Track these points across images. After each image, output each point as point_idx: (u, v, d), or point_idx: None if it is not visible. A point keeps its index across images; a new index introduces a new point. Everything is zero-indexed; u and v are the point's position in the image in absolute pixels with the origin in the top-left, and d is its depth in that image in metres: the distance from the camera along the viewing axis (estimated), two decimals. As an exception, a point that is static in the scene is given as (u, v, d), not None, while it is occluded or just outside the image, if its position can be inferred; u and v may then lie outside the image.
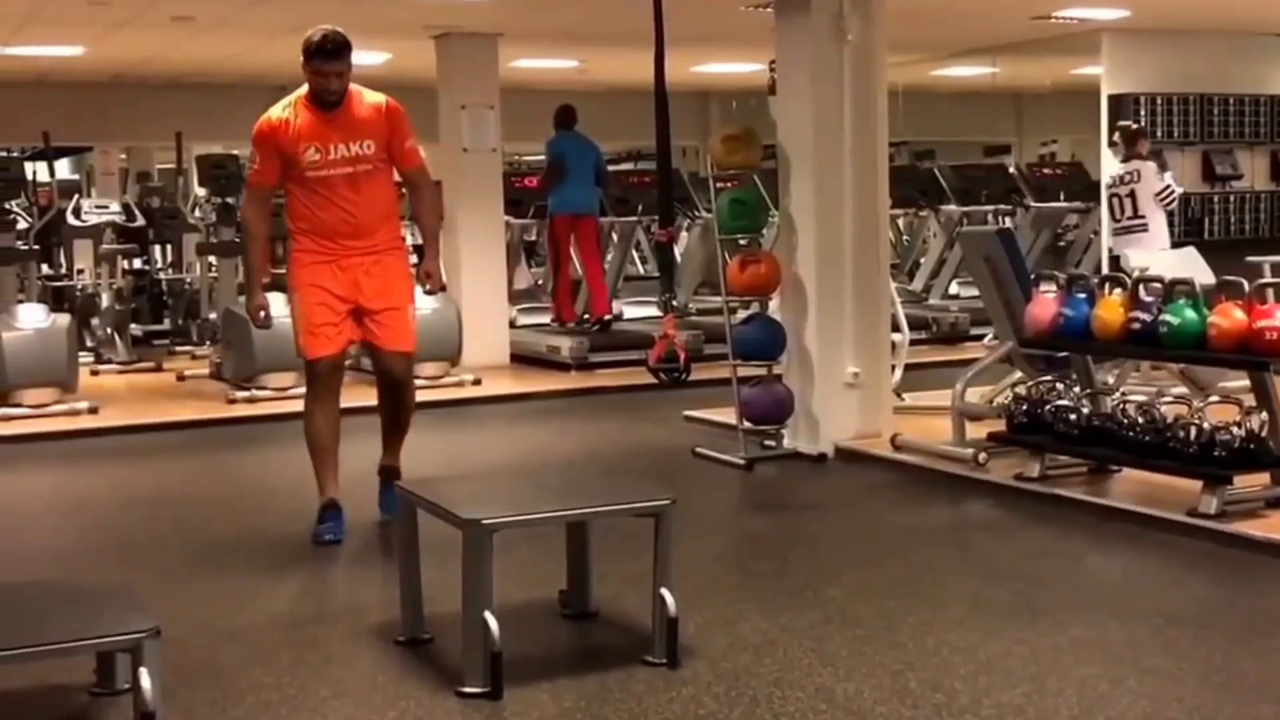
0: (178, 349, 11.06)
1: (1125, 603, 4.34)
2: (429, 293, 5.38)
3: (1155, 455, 5.25)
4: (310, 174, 5.01)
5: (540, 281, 12.46)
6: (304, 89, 5.09)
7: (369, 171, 5.05)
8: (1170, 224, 9.14)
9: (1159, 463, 5.26)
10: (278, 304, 8.62)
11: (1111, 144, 9.50)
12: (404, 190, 5.45)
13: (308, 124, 5.02)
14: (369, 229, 5.08)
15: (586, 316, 10.50)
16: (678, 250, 11.50)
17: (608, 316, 10.30)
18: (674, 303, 8.89)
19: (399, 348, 5.19)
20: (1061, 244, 12.47)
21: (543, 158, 10.81)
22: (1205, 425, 5.08)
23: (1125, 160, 8.89)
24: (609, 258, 11.64)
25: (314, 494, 5.31)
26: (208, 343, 10.31)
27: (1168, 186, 8.78)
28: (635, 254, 13.02)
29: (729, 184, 7.53)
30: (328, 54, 4.96)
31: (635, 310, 11.45)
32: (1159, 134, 10.44)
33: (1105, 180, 8.98)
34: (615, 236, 11.59)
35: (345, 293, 5.07)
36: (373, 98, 5.14)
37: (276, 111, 5.09)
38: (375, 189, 5.09)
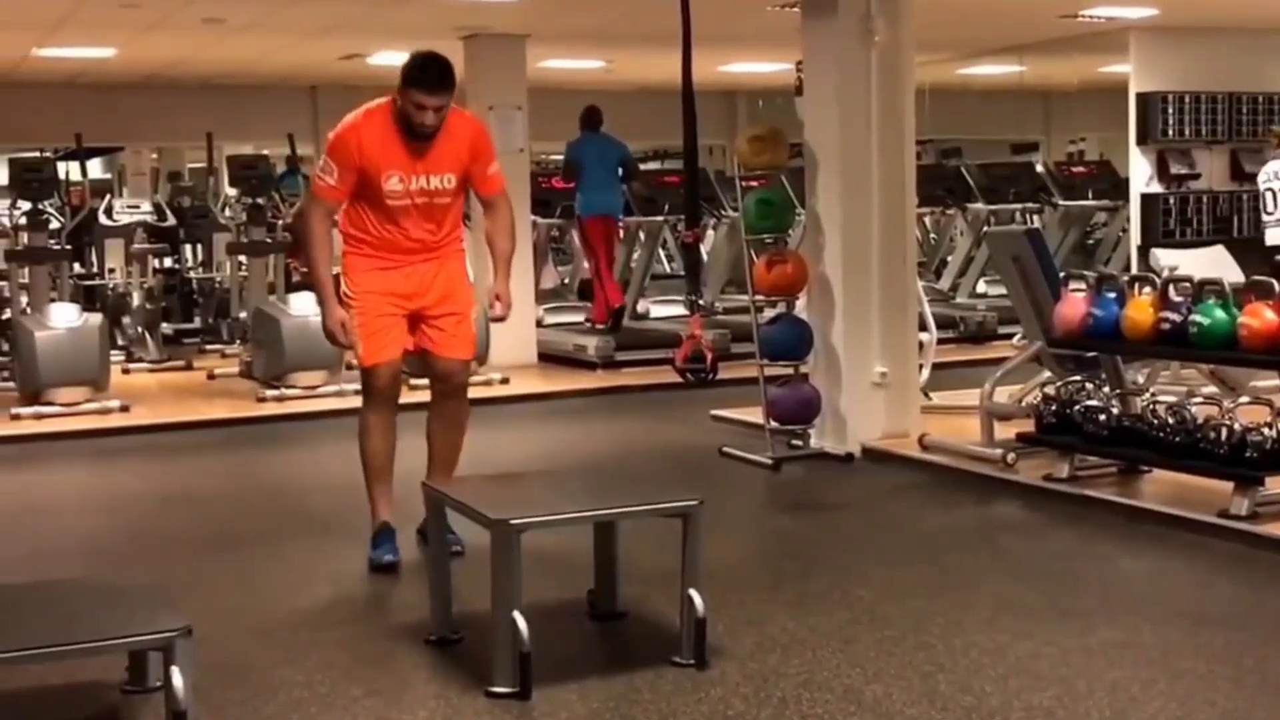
0: (208, 348, 11.12)
1: (1156, 604, 4.32)
2: (496, 318, 4.91)
3: (1186, 456, 5.22)
4: (387, 200, 4.68)
5: (566, 281, 12.48)
6: (388, 100, 4.71)
7: (446, 204, 4.77)
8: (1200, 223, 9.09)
9: (1189, 464, 5.23)
10: (307, 302, 8.75)
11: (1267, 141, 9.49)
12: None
13: (394, 149, 4.64)
14: (433, 247, 4.81)
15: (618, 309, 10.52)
16: (704, 249, 11.49)
17: (622, 306, 10.37)
18: (700, 303, 8.88)
19: (458, 354, 4.87)
20: (1090, 242, 12.41)
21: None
22: (1236, 426, 5.05)
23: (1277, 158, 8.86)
24: (635, 256, 11.65)
25: (344, 491, 5.33)
26: (238, 341, 10.37)
27: None
28: (661, 253, 13.02)
29: (756, 184, 7.52)
30: (431, 85, 4.54)
31: (661, 309, 11.46)
32: (1186, 133, 10.38)
33: (1261, 176, 8.94)
34: (642, 236, 11.58)
35: (405, 297, 4.77)
36: (463, 123, 4.78)
37: (363, 126, 4.68)
38: (448, 215, 4.82)
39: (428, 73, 4.56)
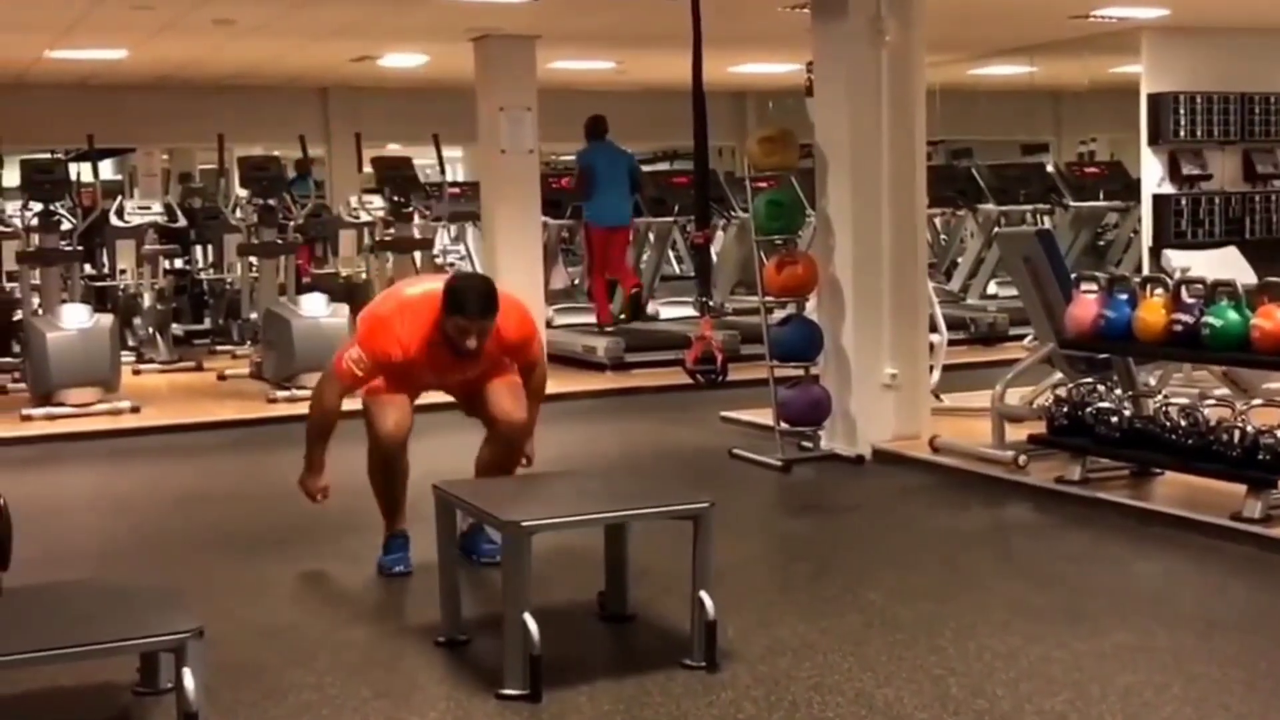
0: (218, 348, 11.15)
1: (1168, 608, 4.31)
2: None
3: (1198, 459, 5.20)
4: (419, 386, 4.76)
5: (576, 281, 12.48)
6: (433, 310, 4.50)
7: (479, 376, 4.73)
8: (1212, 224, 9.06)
9: (1202, 466, 5.21)
10: (318, 304, 8.76)
11: None
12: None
13: (436, 357, 4.55)
14: (478, 383, 4.78)
15: (623, 316, 10.52)
16: (713, 250, 11.50)
17: (636, 289, 10.38)
18: (711, 304, 8.88)
19: (520, 417, 4.72)
20: (1101, 243, 12.38)
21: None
22: (1249, 428, 5.03)
23: None
24: (645, 257, 11.66)
25: (354, 493, 5.31)
26: (248, 342, 10.38)
27: None
28: (671, 254, 13.02)
29: (765, 185, 7.52)
30: (473, 314, 4.43)
31: (671, 310, 11.45)
32: (1199, 133, 10.35)
33: None
34: (652, 237, 11.59)
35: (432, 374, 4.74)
36: (511, 329, 4.64)
37: (405, 337, 4.52)
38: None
39: (470, 302, 4.44)
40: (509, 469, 4.78)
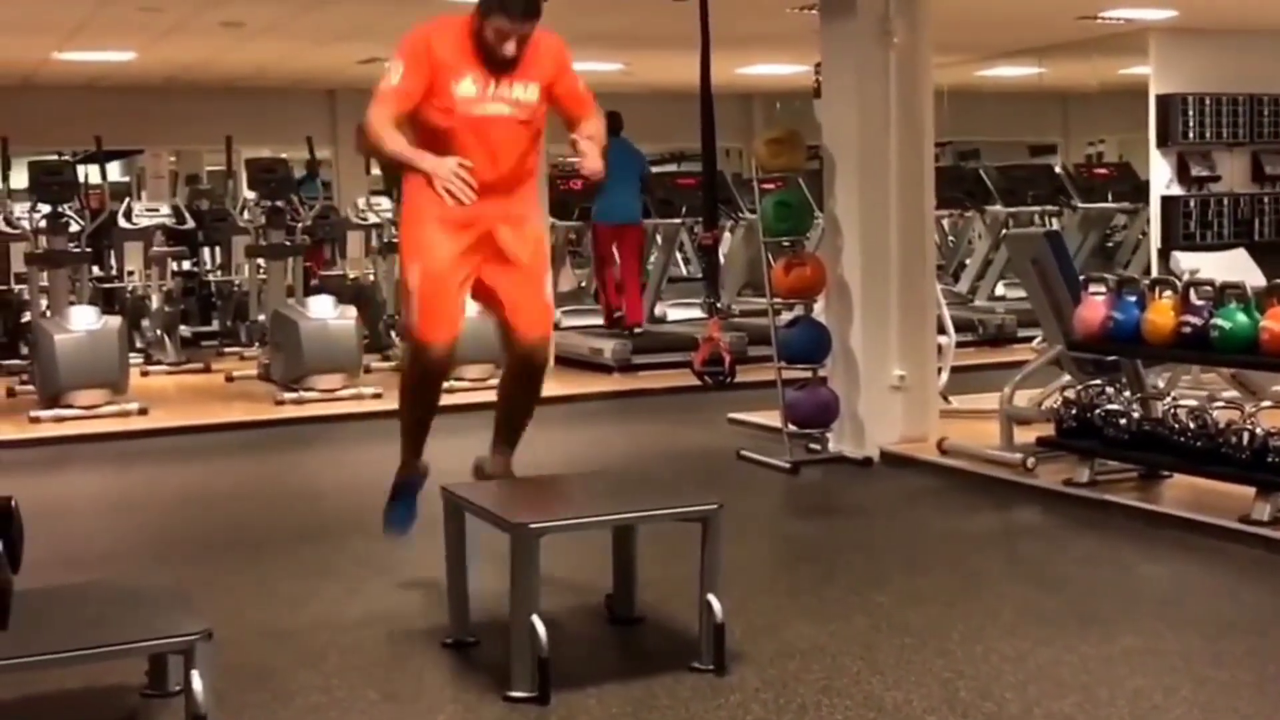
0: (226, 350, 11.16)
1: (1177, 611, 4.30)
2: (589, 172, 4.28)
3: (1207, 461, 5.19)
4: (460, 111, 4.13)
5: (584, 284, 12.48)
6: (465, 16, 4.19)
7: (523, 127, 4.22)
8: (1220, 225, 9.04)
9: (1211, 469, 5.20)
10: (326, 305, 8.77)
11: None
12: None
13: (471, 58, 4.14)
14: (507, 190, 4.23)
15: (619, 314, 10.50)
16: (721, 252, 11.49)
17: (639, 329, 10.29)
18: (718, 306, 8.88)
19: (539, 333, 4.36)
20: (1109, 245, 12.36)
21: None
22: (1258, 431, 5.02)
23: None
24: (652, 258, 11.65)
25: (362, 494, 5.32)
26: (256, 344, 10.39)
27: None
28: (679, 255, 13.02)
29: (773, 186, 7.51)
30: (516, 13, 4.08)
31: (679, 312, 11.44)
32: (1207, 134, 10.34)
33: None
34: (659, 239, 11.58)
35: (469, 256, 4.23)
36: (543, 38, 4.23)
37: (437, 29, 4.19)
38: (526, 153, 4.26)
39: (512, 1, 4.05)
40: (528, 401, 4.48)
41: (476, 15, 4.14)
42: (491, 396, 9.30)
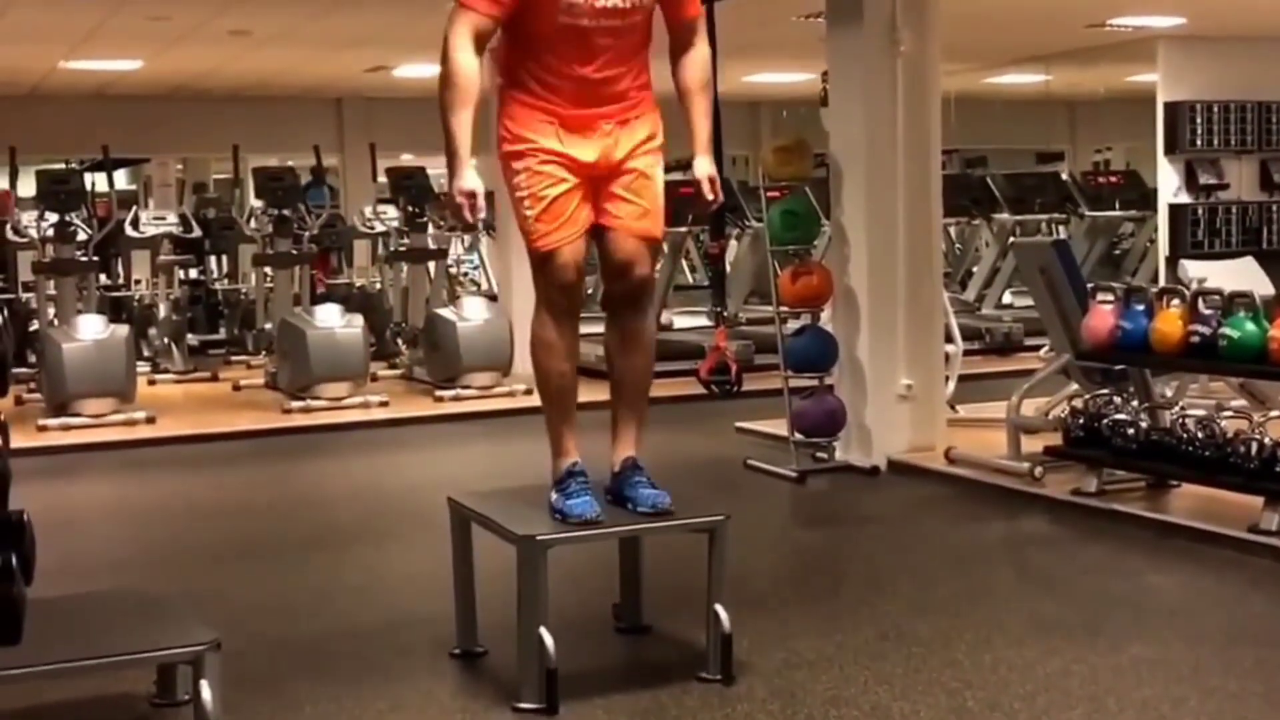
0: (233, 359, 11.17)
1: (1186, 621, 4.29)
2: (708, 205, 3.93)
3: (1215, 471, 5.18)
4: (561, 19, 3.53)
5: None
6: None
7: (636, 28, 3.67)
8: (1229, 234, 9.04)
9: (1219, 478, 5.18)
10: (333, 314, 8.78)
11: None
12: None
13: None
14: (621, 97, 3.71)
15: None
16: (727, 260, 11.49)
17: None
18: (725, 314, 8.87)
19: (641, 230, 3.77)
20: (1116, 253, 12.35)
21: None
22: (1266, 440, 5.01)
23: None
24: (658, 267, 11.63)
25: (371, 502, 5.33)
26: (263, 353, 10.41)
27: None
28: (685, 264, 13.02)
29: (780, 194, 7.51)
30: None
31: (685, 320, 11.43)
32: (1215, 142, 10.33)
33: None
34: (665, 247, 11.57)
35: (583, 162, 3.67)
36: None
37: None
38: (638, 53, 3.72)
39: None
40: (638, 343, 4.10)
41: None
42: (500, 404, 9.32)
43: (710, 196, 3.84)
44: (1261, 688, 3.64)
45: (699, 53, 3.90)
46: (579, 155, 3.65)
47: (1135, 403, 5.77)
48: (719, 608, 3.68)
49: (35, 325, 9.81)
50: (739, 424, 7.73)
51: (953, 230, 12.62)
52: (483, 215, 3.72)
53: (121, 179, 15.02)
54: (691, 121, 3.85)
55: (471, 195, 3.62)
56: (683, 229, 11.16)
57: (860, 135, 6.63)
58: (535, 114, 3.64)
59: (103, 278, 11.11)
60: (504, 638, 3.77)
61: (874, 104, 6.61)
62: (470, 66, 3.52)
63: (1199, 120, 10.22)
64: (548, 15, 3.52)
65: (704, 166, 3.83)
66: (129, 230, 10.69)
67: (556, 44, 3.57)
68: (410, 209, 10.23)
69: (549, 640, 3.48)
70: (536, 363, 4.06)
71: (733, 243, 11.86)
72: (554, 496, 3.84)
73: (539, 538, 3.56)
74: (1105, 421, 5.63)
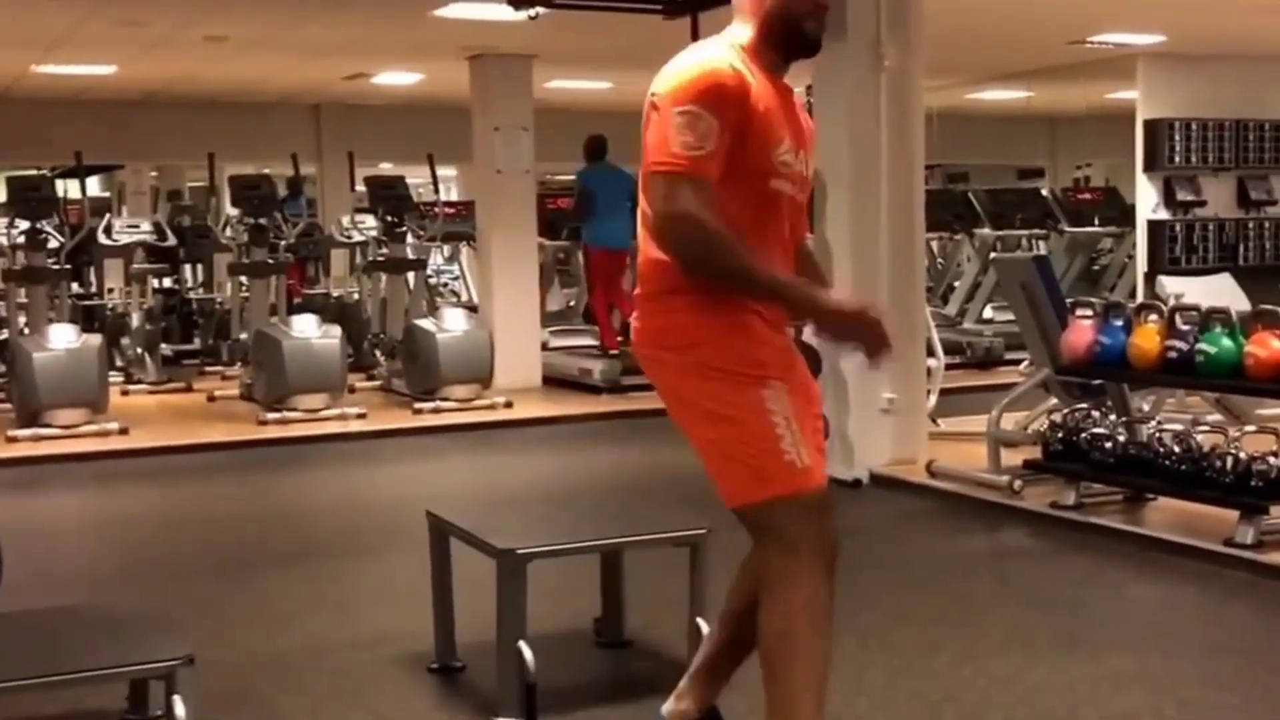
0: (208, 369, 11.09)
1: (1164, 633, 4.30)
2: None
3: (1191, 484, 5.20)
4: (771, 184, 2.84)
5: (572, 303, 12.45)
6: (740, 36, 2.87)
7: (803, 202, 3.03)
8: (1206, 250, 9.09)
9: (1195, 492, 5.21)
10: (309, 324, 8.72)
11: None
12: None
13: (774, 101, 2.84)
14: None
15: (620, 340, 10.48)
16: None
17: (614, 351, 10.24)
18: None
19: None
20: (1095, 268, 12.41)
21: (573, 178, 10.84)
22: (1241, 455, 5.03)
23: None
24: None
25: (346, 515, 5.28)
26: (238, 363, 10.34)
27: None
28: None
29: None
30: None
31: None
32: (1194, 159, 10.40)
33: None
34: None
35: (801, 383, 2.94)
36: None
37: (732, 61, 2.78)
38: (794, 226, 3.02)
39: None
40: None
41: (768, 23, 2.87)
42: (480, 417, 9.21)
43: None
44: (1239, 699, 3.64)
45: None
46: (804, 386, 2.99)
47: (1113, 417, 5.78)
48: (700, 621, 3.66)
49: (5, 334, 9.72)
50: (719, 437, 7.69)
51: (934, 245, 12.67)
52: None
53: (94, 186, 14.92)
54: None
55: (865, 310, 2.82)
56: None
57: (844, 149, 6.63)
58: (764, 328, 2.85)
59: (75, 286, 11.03)
60: (483, 653, 3.74)
61: (858, 118, 6.61)
62: (709, 219, 2.69)
63: (1178, 138, 10.30)
64: (752, 189, 2.82)
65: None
66: (102, 238, 10.61)
67: (761, 221, 2.86)
68: (389, 219, 10.18)
69: (529, 654, 3.44)
70: (788, 634, 2.88)
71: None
72: None
73: (519, 551, 3.53)
74: (1084, 435, 5.64)
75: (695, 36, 6.96)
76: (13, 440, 7.92)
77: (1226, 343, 5.15)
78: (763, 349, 2.83)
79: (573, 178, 10.86)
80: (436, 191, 11.31)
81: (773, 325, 2.85)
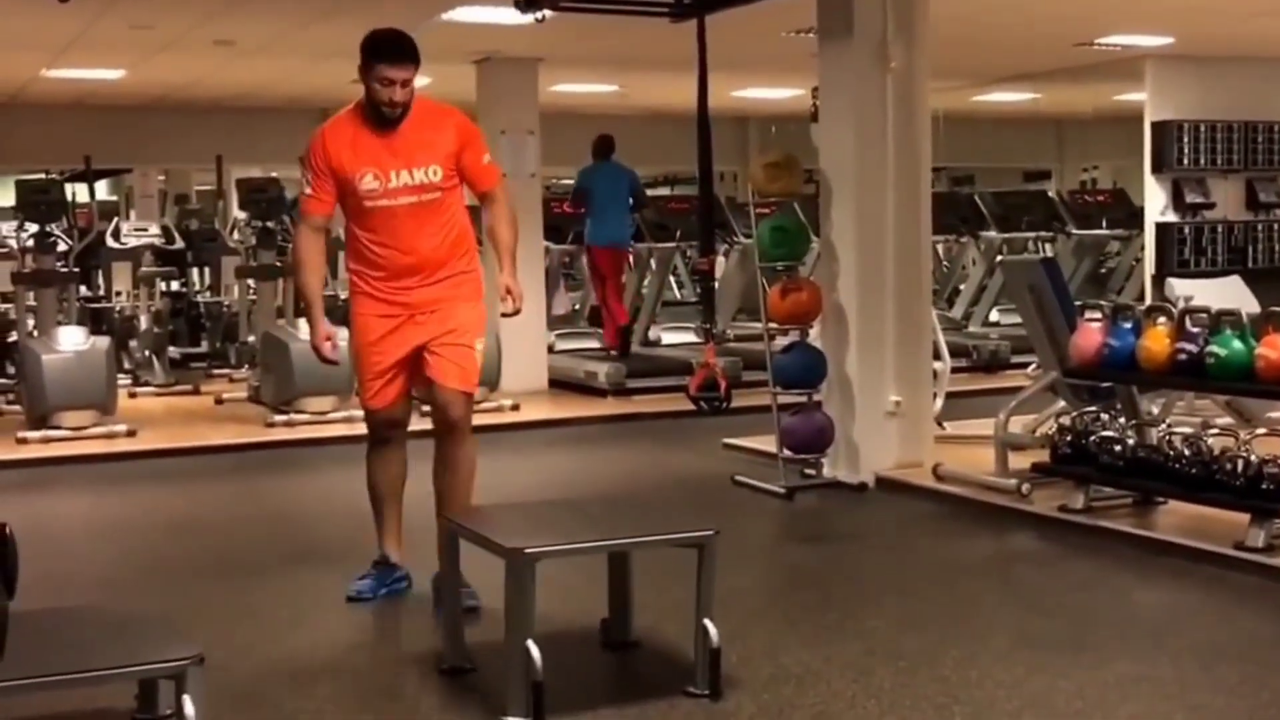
0: (215, 372, 11.09)
1: (1172, 637, 4.27)
2: (509, 314, 4.59)
3: (1201, 488, 5.17)
4: (368, 204, 4.45)
5: (578, 307, 12.46)
6: (352, 105, 4.58)
7: (435, 201, 4.47)
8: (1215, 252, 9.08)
9: (1205, 495, 5.18)
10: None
11: None
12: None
13: (365, 146, 4.44)
14: (436, 263, 4.52)
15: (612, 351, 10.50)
16: (716, 276, 11.48)
17: (625, 324, 10.32)
18: (714, 330, 8.86)
19: (455, 384, 4.51)
20: (1103, 271, 12.39)
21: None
22: (1252, 458, 5.01)
23: None
24: (646, 283, 11.63)
25: (354, 518, 5.29)
26: (246, 366, 10.35)
27: None
28: (672, 279, 13.02)
29: (769, 210, 7.50)
30: (395, 56, 4.36)
31: (672, 336, 11.42)
32: (1202, 161, 10.38)
33: None
34: (654, 263, 11.57)
35: (404, 337, 4.55)
36: (440, 113, 4.53)
37: (329, 129, 4.54)
38: (446, 222, 4.54)
39: (389, 44, 4.41)
40: (455, 468, 4.54)
41: (363, 77, 4.45)
42: (485, 420, 9.24)
43: (510, 309, 4.55)
44: (1247, 704, 3.63)
45: (504, 211, 4.64)
46: (402, 340, 4.66)
47: (1122, 420, 5.77)
48: (707, 622, 3.66)
49: (15, 336, 9.74)
50: (727, 440, 7.71)
51: (940, 248, 12.66)
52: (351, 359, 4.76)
53: (103, 189, 14.98)
54: (500, 261, 4.61)
55: (328, 337, 4.65)
56: (671, 244, 11.17)
57: (850, 151, 6.62)
58: (373, 310, 4.70)
59: (83, 289, 11.05)
60: (491, 654, 3.75)
61: (864, 120, 6.61)
62: (313, 251, 4.72)
63: (1186, 139, 10.28)
64: (355, 202, 4.53)
65: (506, 279, 4.55)
66: (110, 241, 10.64)
67: (371, 224, 4.59)
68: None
69: (536, 653, 3.45)
70: (367, 477, 4.86)
71: (721, 259, 11.85)
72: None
73: (527, 550, 3.53)
74: (1092, 439, 5.63)
75: (701, 40, 6.96)
76: (22, 442, 7.94)
77: (1237, 345, 5.13)
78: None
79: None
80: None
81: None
